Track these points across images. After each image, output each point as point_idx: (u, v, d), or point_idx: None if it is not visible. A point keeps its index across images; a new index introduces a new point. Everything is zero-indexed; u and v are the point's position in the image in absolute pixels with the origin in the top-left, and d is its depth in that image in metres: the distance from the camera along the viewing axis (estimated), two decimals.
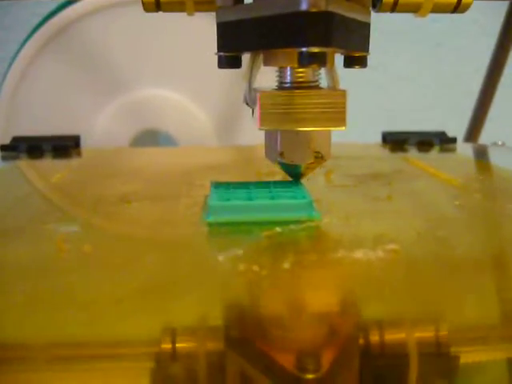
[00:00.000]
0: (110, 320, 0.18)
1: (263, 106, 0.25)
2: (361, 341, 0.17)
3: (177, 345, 0.16)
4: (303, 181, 0.28)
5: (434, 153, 0.48)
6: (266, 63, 0.26)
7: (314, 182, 0.32)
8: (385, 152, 0.49)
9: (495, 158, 0.50)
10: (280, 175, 0.30)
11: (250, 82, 0.26)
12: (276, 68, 0.26)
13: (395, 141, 0.50)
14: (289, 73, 0.25)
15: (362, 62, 0.26)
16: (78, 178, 0.40)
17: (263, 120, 0.25)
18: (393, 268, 0.22)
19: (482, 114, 0.57)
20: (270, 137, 0.27)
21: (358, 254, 0.22)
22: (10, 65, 0.56)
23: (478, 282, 0.21)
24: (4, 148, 0.48)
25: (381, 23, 0.78)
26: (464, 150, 0.53)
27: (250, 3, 0.24)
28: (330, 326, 0.18)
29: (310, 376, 0.14)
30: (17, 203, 0.31)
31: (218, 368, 0.16)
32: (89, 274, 0.21)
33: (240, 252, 0.22)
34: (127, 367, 0.16)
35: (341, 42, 0.23)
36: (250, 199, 0.26)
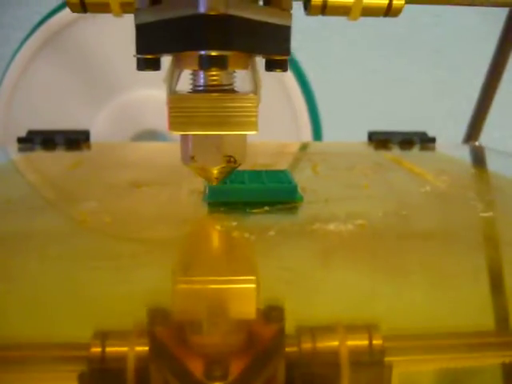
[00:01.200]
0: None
1: (173, 109, 0.25)
2: (291, 348, 0.17)
3: (106, 348, 0.16)
4: (292, 171, 0.33)
5: (415, 151, 0.52)
6: (178, 66, 0.26)
7: (301, 173, 0.39)
8: (369, 150, 0.52)
9: (476, 157, 0.54)
10: (273, 167, 0.36)
11: (170, 85, 0.26)
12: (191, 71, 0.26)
13: (379, 140, 0.54)
14: (201, 76, 0.25)
15: (282, 65, 0.26)
16: (91, 167, 0.44)
17: (172, 123, 0.25)
18: (358, 238, 0.26)
19: (481, 118, 0.57)
20: (183, 140, 0.26)
21: (331, 227, 0.26)
22: (9, 64, 0.57)
23: (425, 251, 0.25)
24: (20, 140, 0.51)
25: (379, 28, 0.78)
26: (452, 151, 0.55)
27: (161, 5, 0.24)
28: (249, 332, 0.18)
29: (217, 383, 0.15)
30: (39, 188, 0.36)
31: (146, 372, 0.16)
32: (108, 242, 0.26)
33: (234, 224, 0.27)
34: (56, 370, 0.16)
35: (246, 45, 0.23)
36: (244, 183, 0.30)
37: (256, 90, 0.26)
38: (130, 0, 0.26)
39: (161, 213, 0.30)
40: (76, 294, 0.20)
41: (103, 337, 0.17)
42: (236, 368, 0.15)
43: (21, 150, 0.50)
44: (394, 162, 0.45)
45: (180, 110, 0.25)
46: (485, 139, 0.57)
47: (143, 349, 0.16)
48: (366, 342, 0.17)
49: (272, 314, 0.19)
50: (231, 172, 0.27)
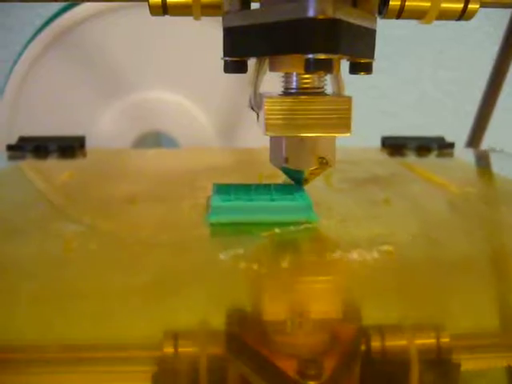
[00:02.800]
0: (114, 320, 0.19)
1: (269, 111, 0.25)
2: (362, 347, 0.17)
3: (179, 349, 0.16)
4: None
5: (432, 157, 0.49)
6: (272, 69, 0.26)
7: (313, 186, 0.32)
8: (383, 156, 0.49)
9: (493, 163, 0.51)
10: (282, 177, 0.31)
11: (255, 87, 0.26)
12: (281, 74, 0.26)
13: (394, 145, 0.51)
14: (295, 79, 0.25)
15: (367, 68, 0.26)
16: (84, 178, 0.40)
17: (269, 126, 0.25)
18: (387, 268, 0.23)
19: (484, 120, 0.57)
20: (275, 142, 0.27)
21: (354, 255, 0.23)
22: (14, 66, 0.56)
23: (470, 283, 0.22)
24: (10, 148, 0.48)
25: (384, 29, 0.79)
26: (463, 155, 0.53)
27: (257, 9, 0.24)
28: (332, 332, 0.18)
29: (312, 382, 0.14)
30: (24, 203, 0.32)
31: (220, 373, 0.16)
32: (94, 272, 0.22)
33: (241, 251, 0.23)
34: (129, 371, 0.16)
35: (347, 48, 0.23)
36: (251, 200, 0.27)
37: (341, 91, 0.26)
38: (212, 2, 0.26)
39: (155, 237, 0.26)
40: None
41: (175, 337, 0.17)
42: (327, 367, 0.15)
43: (11, 158, 0.47)
44: (413, 171, 0.43)
45: (276, 113, 0.25)
46: (489, 141, 0.57)
47: (215, 351, 0.16)
48: (433, 341, 0.17)
49: (350, 313, 0.19)
50: (320, 174, 0.27)
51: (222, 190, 0.28)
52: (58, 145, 0.48)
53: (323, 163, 0.26)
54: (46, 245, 0.25)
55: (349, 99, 0.25)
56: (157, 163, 0.47)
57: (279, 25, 0.23)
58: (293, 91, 0.26)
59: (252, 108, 0.27)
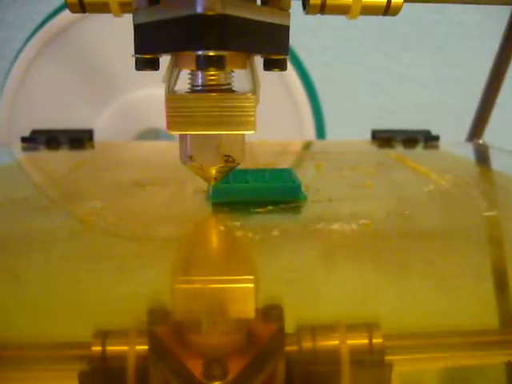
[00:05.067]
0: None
1: (170, 109, 0.25)
2: (292, 347, 0.17)
3: (106, 347, 0.16)
4: (296, 170, 0.33)
5: (418, 149, 0.52)
6: (178, 66, 0.26)
7: (304, 172, 0.39)
8: (372, 148, 0.52)
9: (480, 155, 0.54)
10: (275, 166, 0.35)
11: (169, 84, 0.26)
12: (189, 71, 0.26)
13: (383, 138, 0.54)
14: (200, 76, 0.25)
15: (281, 64, 0.26)
16: (95, 166, 0.44)
17: (170, 123, 0.25)
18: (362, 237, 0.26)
19: (484, 116, 0.56)
20: (181, 140, 0.26)
21: (335, 226, 0.26)
22: (12, 64, 0.57)
23: (432, 250, 0.25)
24: (24, 140, 0.51)
25: (383, 26, 0.77)
26: (452, 148, 0.55)
27: (159, 5, 0.24)
28: (248, 331, 0.18)
29: (215, 383, 0.15)
30: (43, 188, 0.36)
31: (146, 371, 0.16)
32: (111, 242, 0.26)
33: (237, 223, 0.27)
34: (57, 369, 0.17)
35: (243, 44, 0.23)
36: (248, 182, 0.30)
37: (255, 89, 0.26)
38: (128, 0, 0.26)
39: (164, 213, 0.30)
40: (78, 294, 0.20)
41: (104, 336, 0.17)
42: (235, 367, 0.15)
43: (24, 149, 0.50)
44: (398, 160, 0.45)
45: (178, 110, 0.25)
46: (489, 137, 0.57)
47: (143, 348, 0.17)
48: (366, 341, 0.17)
49: (271, 313, 0.19)
50: (229, 171, 0.27)
51: None
52: (68, 137, 0.52)
53: (229, 161, 0.26)
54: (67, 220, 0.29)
55: (253, 96, 0.25)
56: (160, 154, 0.50)
57: (173, 21, 0.23)
58: (198, 88, 0.25)
59: None
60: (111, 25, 0.57)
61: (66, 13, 0.57)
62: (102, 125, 0.60)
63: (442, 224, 0.29)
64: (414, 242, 0.26)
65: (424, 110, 0.84)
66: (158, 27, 0.24)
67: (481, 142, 0.55)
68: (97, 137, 0.57)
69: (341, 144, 0.51)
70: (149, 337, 0.17)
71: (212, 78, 0.25)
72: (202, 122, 0.25)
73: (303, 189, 0.31)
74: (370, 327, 0.17)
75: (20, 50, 0.57)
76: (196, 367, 0.15)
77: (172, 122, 0.25)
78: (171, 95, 0.25)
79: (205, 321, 0.18)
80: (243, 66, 0.25)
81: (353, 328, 0.18)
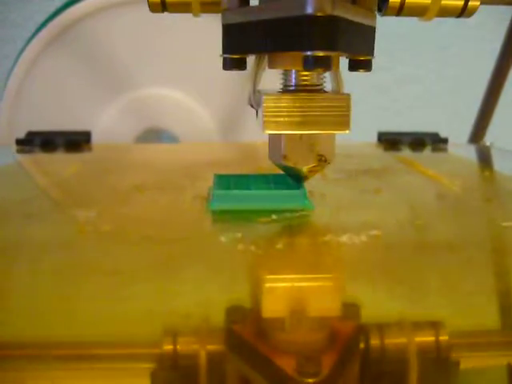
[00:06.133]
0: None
1: (267, 109, 0.25)
2: (361, 345, 0.17)
3: (178, 346, 0.16)
4: None
5: (426, 152, 0.50)
6: (271, 65, 0.26)
7: None
8: (379, 151, 0.51)
9: (487, 158, 0.53)
10: (279, 170, 0.32)
11: (254, 84, 0.26)
12: (281, 71, 0.26)
13: (389, 140, 0.52)
14: (293, 76, 0.25)
15: (366, 65, 0.26)
16: (92, 170, 0.42)
17: (267, 123, 0.25)
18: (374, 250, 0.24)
19: (487, 116, 0.57)
20: (273, 139, 0.27)
21: (344, 239, 0.24)
22: (15, 62, 0.56)
23: (442, 263, 0.23)
24: (19, 142, 0.49)
25: (385, 26, 0.78)
26: (460, 150, 0.54)
27: (256, 6, 0.24)
28: (331, 329, 0.18)
29: (310, 380, 0.14)
30: (35, 193, 0.34)
31: (219, 370, 0.16)
32: (105, 251, 0.24)
33: (239, 235, 0.25)
34: (128, 368, 0.16)
35: (346, 45, 0.23)
36: (250, 189, 0.28)
37: (340, 88, 0.26)
38: (210, 0, 0.26)
39: (162, 221, 0.28)
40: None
41: (174, 335, 0.17)
42: (326, 364, 0.15)
43: (20, 151, 0.48)
44: (406, 164, 0.44)
45: (274, 110, 0.25)
46: (490, 137, 0.57)
47: (215, 347, 0.16)
48: (432, 339, 0.17)
49: (349, 310, 0.19)
50: (321, 170, 0.27)
51: (223, 179, 0.30)
52: (65, 139, 0.49)
53: (322, 160, 0.26)
54: (60, 228, 0.27)
55: (348, 96, 0.25)
56: (160, 157, 0.48)
57: (278, 22, 0.23)
58: (292, 88, 0.25)
59: (251, 105, 0.27)
60: (116, 24, 0.57)
61: (70, 11, 0.56)
62: (105, 124, 0.59)
63: (459, 235, 0.27)
64: (430, 256, 0.24)
65: (426, 110, 0.85)
66: (254, 27, 0.24)
67: (488, 143, 0.54)
68: (100, 134, 0.56)
69: (345, 146, 0.49)
70: (227, 335, 0.17)
71: (306, 78, 0.25)
72: (299, 121, 0.25)
73: (308, 195, 0.29)
74: (435, 325, 0.18)
75: (23, 49, 0.56)
76: (288, 365, 0.15)
77: (269, 122, 0.25)
78: (268, 95, 0.25)
79: (291, 319, 0.18)
80: (337, 67, 0.26)
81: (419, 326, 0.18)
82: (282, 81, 0.26)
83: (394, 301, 0.20)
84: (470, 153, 0.55)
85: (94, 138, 0.53)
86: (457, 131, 0.54)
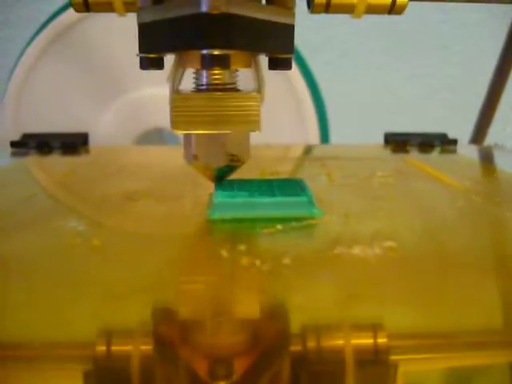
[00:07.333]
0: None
1: (176, 108, 0.25)
2: (295, 347, 0.16)
3: (111, 347, 0.16)
4: (305, 179, 0.30)
5: (435, 154, 0.49)
6: (182, 65, 0.26)
7: (316, 182, 0.34)
8: (386, 153, 0.49)
9: (496, 159, 0.50)
10: (284, 175, 0.32)
11: (172, 83, 0.26)
12: (193, 70, 0.26)
13: (397, 142, 0.51)
14: (204, 75, 0.25)
15: (286, 64, 0.26)
16: (86, 175, 0.41)
17: (176, 123, 0.25)
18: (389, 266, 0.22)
19: (488, 116, 0.56)
20: (186, 138, 0.26)
21: (356, 251, 0.23)
22: (16, 63, 0.57)
23: (465, 280, 0.21)
24: (14, 144, 0.49)
25: (387, 24, 0.77)
26: (467, 151, 0.53)
27: (164, 4, 0.24)
28: (253, 332, 0.18)
29: (221, 383, 0.15)
30: (27, 199, 0.32)
31: (152, 371, 0.16)
32: (96, 268, 0.22)
33: (242, 248, 0.23)
34: (61, 368, 0.16)
35: (246, 43, 0.23)
36: (253, 197, 0.27)
37: (259, 88, 0.26)
38: None
39: (158, 231, 0.27)
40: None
41: (108, 335, 0.17)
42: (240, 367, 0.15)
43: (14, 154, 0.47)
44: (416, 167, 0.42)
45: (183, 109, 0.25)
46: (490, 137, 0.56)
47: (148, 348, 0.16)
48: (370, 341, 0.17)
49: (276, 312, 0.19)
50: (234, 171, 0.27)
51: (224, 186, 0.28)
52: (61, 141, 0.49)
53: (234, 160, 0.26)
54: (49, 239, 0.25)
55: (257, 95, 0.25)
56: (159, 160, 0.47)
57: (178, 20, 0.23)
58: (203, 87, 0.25)
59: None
60: (115, 24, 0.57)
61: (70, 12, 0.56)
62: (105, 125, 0.60)
63: (481, 248, 0.25)
64: (450, 270, 0.22)
65: (428, 109, 0.84)
66: (163, 26, 0.24)
67: (497, 144, 0.53)
68: (100, 136, 0.57)
69: (351, 148, 0.48)
70: (154, 337, 0.17)
71: (217, 77, 0.25)
72: (208, 121, 0.25)
73: (316, 202, 0.27)
74: (374, 327, 0.17)
75: (23, 50, 0.57)
76: (201, 367, 0.15)
77: (177, 122, 0.25)
78: (177, 95, 0.25)
79: (209, 321, 0.18)
80: (248, 65, 0.25)
81: (357, 328, 0.18)
82: (193, 80, 0.26)
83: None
84: (476, 154, 0.53)
85: (95, 140, 0.53)
86: (458, 130, 0.53)
